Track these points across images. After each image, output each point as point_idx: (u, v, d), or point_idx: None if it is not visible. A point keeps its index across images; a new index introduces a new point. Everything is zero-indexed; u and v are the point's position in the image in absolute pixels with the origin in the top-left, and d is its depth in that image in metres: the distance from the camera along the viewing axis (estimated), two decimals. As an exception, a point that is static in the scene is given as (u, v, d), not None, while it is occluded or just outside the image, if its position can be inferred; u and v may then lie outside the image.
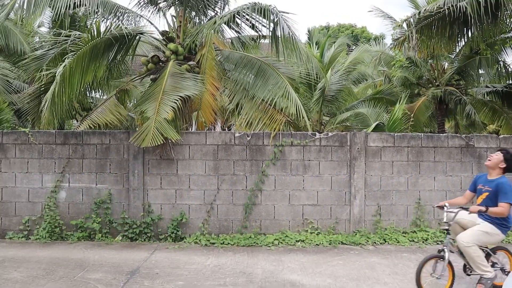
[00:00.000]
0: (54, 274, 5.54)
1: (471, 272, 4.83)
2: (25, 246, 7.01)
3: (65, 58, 7.21)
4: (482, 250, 4.72)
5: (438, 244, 7.29)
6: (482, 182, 4.95)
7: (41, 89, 8.15)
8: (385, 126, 9.05)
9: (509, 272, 4.70)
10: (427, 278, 4.70)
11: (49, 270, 5.68)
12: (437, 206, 5.05)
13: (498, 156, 4.82)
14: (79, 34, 7.99)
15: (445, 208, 4.86)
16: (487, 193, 4.80)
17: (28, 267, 5.68)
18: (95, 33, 7.30)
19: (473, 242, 4.59)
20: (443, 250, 4.68)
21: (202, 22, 8.87)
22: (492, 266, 4.78)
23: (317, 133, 7.77)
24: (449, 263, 4.71)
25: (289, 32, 7.68)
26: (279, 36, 7.78)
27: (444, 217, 4.82)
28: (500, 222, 4.68)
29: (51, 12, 10.44)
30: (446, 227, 4.76)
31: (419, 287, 4.66)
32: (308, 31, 17.59)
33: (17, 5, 7.80)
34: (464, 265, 4.95)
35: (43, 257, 6.34)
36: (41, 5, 7.70)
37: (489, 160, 4.89)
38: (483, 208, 4.57)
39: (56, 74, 6.93)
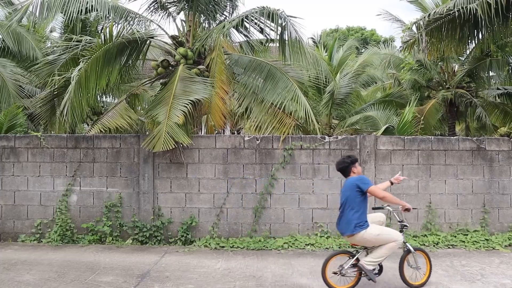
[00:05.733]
0: (65, 276, 5.59)
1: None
2: (37, 249, 7.09)
3: (79, 62, 7.31)
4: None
5: (449, 248, 7.24)
6: None
7: (54, 93, 8.25)
8: (395, 129, 9.00)
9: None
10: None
11: (60, 273, 5.73)
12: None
13: None
14: (90, 39, 8.08)
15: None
16: None
17: (40, 269, 5.74)
18: (108, 37, 7.39)
19: None
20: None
21: (211, 27, 8.91)
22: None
23: (326, 137, 7.76)
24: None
25: (296, 37, 7.71)
26: (286, 39, 7.81)
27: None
28: None
29: (63, 18, 10.59)
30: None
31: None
32: (313, 35, 17.52)
33: (29, 10, 7.91)
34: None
35: (55, 260, 6.41)
36: (53, 9, 7.80)
37: None
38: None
39: (72, 80, 7.02)
